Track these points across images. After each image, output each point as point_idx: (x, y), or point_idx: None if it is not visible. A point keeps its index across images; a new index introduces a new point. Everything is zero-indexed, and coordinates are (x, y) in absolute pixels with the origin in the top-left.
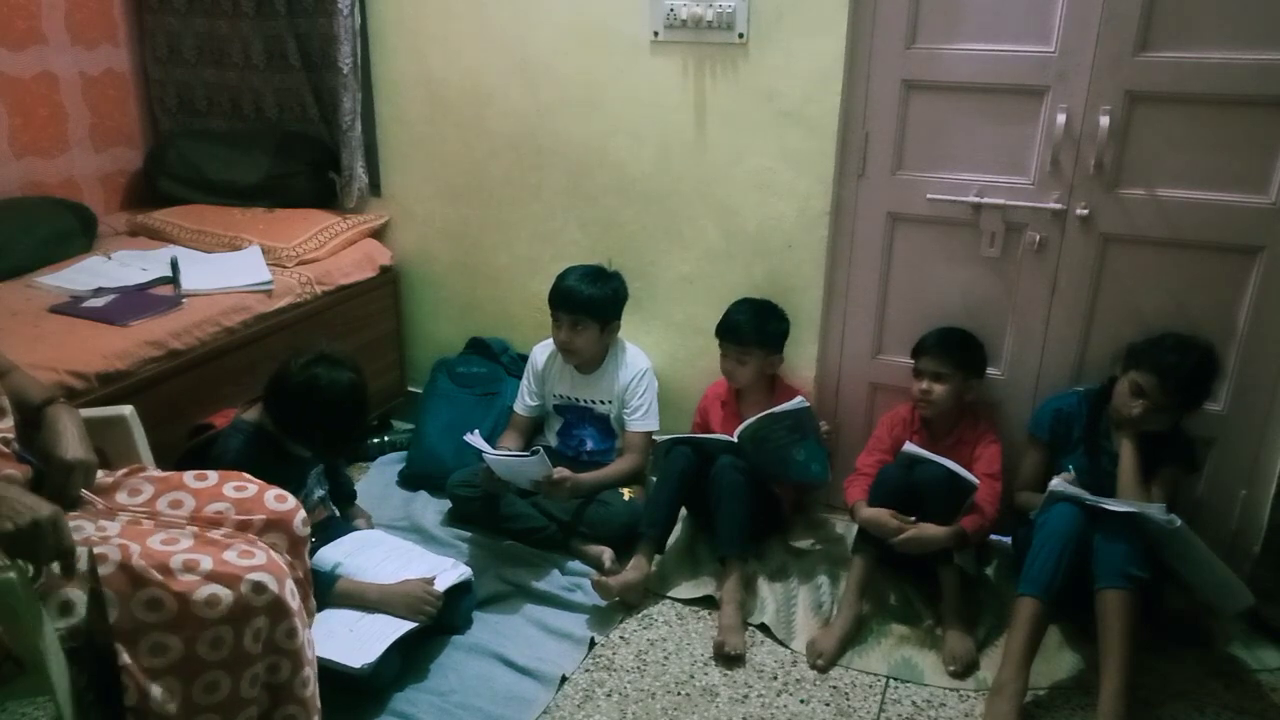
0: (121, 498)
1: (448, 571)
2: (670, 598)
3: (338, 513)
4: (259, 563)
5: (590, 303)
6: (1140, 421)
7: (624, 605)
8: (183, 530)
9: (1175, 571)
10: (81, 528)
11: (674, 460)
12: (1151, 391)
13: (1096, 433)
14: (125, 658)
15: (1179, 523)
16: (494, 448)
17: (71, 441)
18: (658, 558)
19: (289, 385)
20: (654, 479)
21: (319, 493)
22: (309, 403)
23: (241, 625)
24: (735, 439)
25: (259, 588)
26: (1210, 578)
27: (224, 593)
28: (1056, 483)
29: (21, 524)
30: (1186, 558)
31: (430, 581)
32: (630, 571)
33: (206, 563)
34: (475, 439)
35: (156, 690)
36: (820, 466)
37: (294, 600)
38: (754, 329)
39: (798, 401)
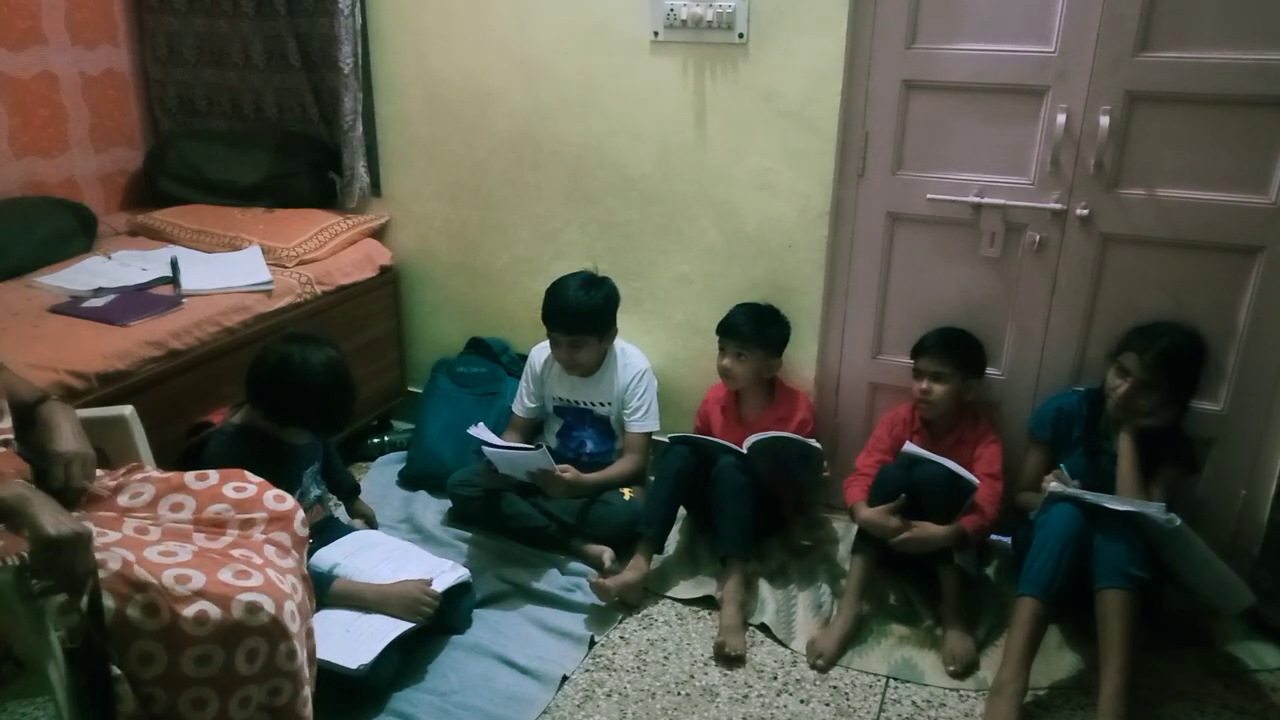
0: (123, 500)
1: (446, 573)
2: (670, 598)
3: (337, 512)
4: (255, 584)
5: (586, 319)
6: (1128, 403)
7: (624, 605)
8: (186, 541)
9: (1175, 571)
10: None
11: (671, 459)
12: (1133, 368)
13: (1096, 432)
14: (117, 668)
15: (1179, 522)
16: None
17: (66, 435)
18: (656, 557)
19: (265, 369)
20: (652, 478)
21: (315, 492)
22: (286, 383)
23: (233, 645)
24: (745, 450)
25: (253, 608)
26: (1210, 577)
27: (213, 610)
28: (1055, 484)
29: (49, 535)
30: (1186, 557)
31: (428, 582)
32: (629, 572)
33: (198, 579)
34: (480, 430)
35: (131, 696)
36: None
37: (294, 622)
38: (753, 329)
39: (814, 442)
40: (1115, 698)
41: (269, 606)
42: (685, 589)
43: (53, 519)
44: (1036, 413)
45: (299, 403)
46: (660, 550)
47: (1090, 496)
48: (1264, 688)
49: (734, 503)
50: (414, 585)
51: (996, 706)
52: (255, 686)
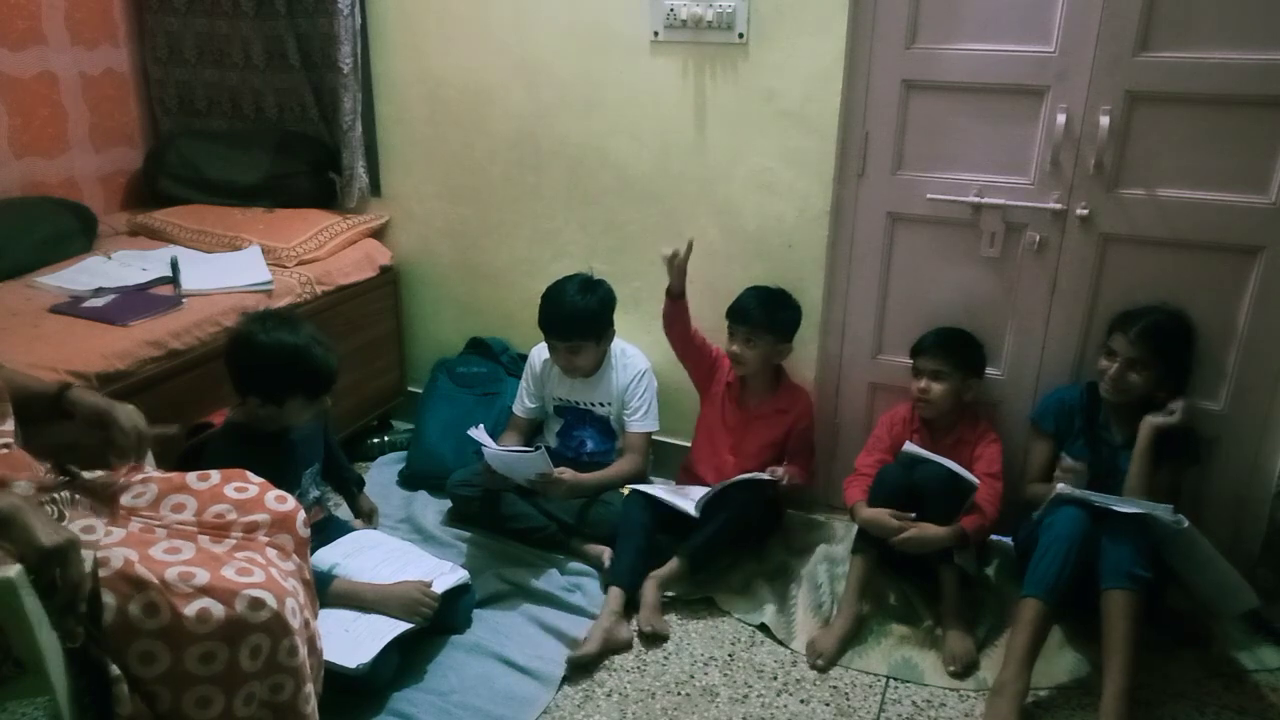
0: (126, 500)
1: (445, 575)
2: (670, 597)
3: (338, 511)
4: (257, 580)
5: (582, 326)
6: (1118, 384)
7: (613, 652)
8: (190, 541)
9: (1177, 572)
10: (93, 527)
11: (636, 513)
12: (1120, 347)
13: (1096, 424)
14: (116, 669)
15: (1186, 524)
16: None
17: (114, 405)
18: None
19: (237, 353)
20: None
21: (314, 493)
22: (260, 354)
23: (237, 642)
24: (696, 514)
25: (256, 604)
26: (1214, 578)
27: (216, 608)
28: (1062, 486)
29: (43, 546)
30: (1191, 558)
31: (428, 584)
32: (605, 619)
33: (202, 576)
34: (479, 433)
35: (128, 698)
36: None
37: (295, 618)
38: (764, 313)
39: (760, 474)
40: (1118, 698)
41: (271, 602)
42: (684, 589)
43: (46, 530)
44: (1039, 405)
45: (281, 367)
46: (633, 597)
47: (1098, 499)
48: (1264, 688)
49: (729, 519)
50: (413, 586)
51: (997, 707)
52: (258, 683)
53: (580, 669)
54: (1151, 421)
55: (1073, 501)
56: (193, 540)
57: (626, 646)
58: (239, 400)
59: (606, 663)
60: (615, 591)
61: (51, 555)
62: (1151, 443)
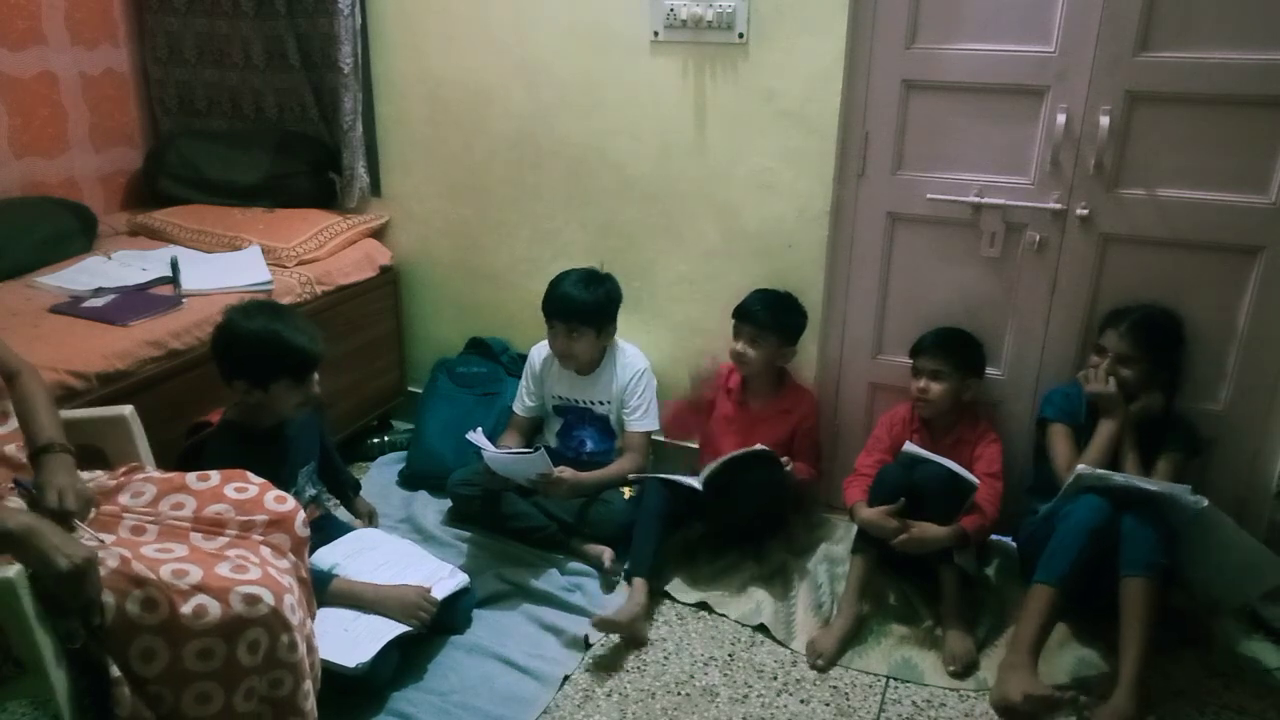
0: (124, 499)
1: (445, 580)
2: (670, 597)
3: (336, 511)
4: (252, 577)
5: (585, 310)
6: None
7: (634, 643)
8: (183, 539)
9: (1189, 566)
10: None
11: (651, 502)
12: (1111, 342)
13: (1096, 420)
14: (116, 669)
15: (1205, 503)
16: (495, 447)
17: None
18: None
19: (220, 342)
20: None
21: (310, 492)
22: (242, 338)
23: (234, 638)
24: (700, 486)
25: (251, 600)
26: (1237, 559)
27: (212, 604)
28: (1083, 467)
29: (61, 570)
30: (1208, 542)
31: (427, 590)
32: (631, 606)
33: (195, 573)
34: (477, 437)
35: (142, 703)
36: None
37: (294, 615)
38: (770, 315)
39: (758, 446)
40: (1133, 686)
41: (268, 598)
42: (684, 590)
43: (64, 551)
44: (1045, 399)
45: (264, 351)
46: (654, 586)
47: (1120, 478)
48: (1264, 688)
49: (754, 503)
50: (412, 590)
51: (1018, 676)
52: (257, 678)
53: (604, 629)
54: (1131, 411)
55: (1093, 489)
56: (184, 538)
57: (643, 641)
58: (228, 388)
59: (607, 663)
60: (639, 583)
61: (70, 578)
62: (1135, 434)
